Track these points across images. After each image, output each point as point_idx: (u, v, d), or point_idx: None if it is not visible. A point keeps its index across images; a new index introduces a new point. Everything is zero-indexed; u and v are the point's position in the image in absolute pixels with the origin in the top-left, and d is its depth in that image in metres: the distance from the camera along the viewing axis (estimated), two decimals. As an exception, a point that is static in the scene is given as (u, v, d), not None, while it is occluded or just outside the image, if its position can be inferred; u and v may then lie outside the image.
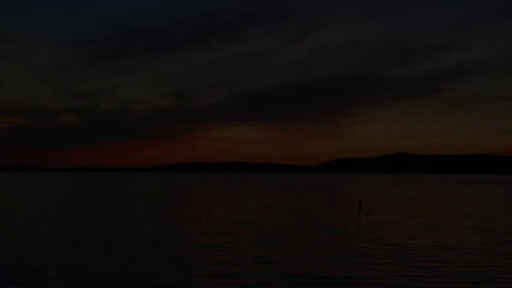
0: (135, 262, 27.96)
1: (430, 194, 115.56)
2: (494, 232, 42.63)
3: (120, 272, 25.23)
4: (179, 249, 32.60)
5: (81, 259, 28.79)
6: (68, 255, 29.99)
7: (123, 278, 24.06)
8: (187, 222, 49.53)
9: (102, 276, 24.26)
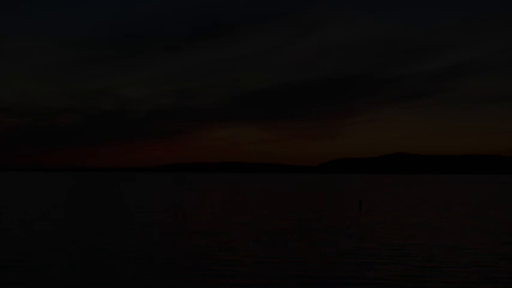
0: (135, 262, 27.96)
1: (430, 194, 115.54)
2: (494, 232, 42.63)
3: (120, 272, 25.23)
4: (179, 249, 32.60)
5: (81, 259, 28.79)
6: (68, 255, 29.98)
7: (123, 278, 24.05)
8: (187, 222, 49.52)
9: (102, 276, 24.26)
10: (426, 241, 36.86)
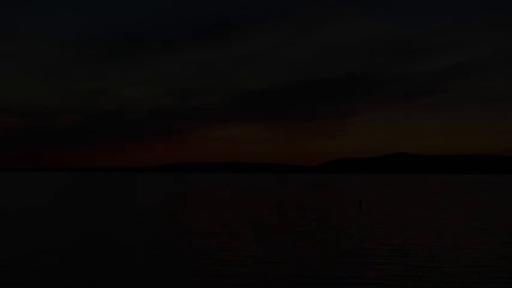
0: (135, 262, 27.96)
1: (430, 194, 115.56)
2: (494, 232, 42.64)
3: (120, 272, 25.23)
4: (179, 249, 32.61)
5: (81, 259, 28.79)
6: (68, 255, 29.99)
7: (123, 278, 24.06)
8: (187, 222, 49.54)
9: (102, 276, 24.26)
10: (426, 241, 36.85)
